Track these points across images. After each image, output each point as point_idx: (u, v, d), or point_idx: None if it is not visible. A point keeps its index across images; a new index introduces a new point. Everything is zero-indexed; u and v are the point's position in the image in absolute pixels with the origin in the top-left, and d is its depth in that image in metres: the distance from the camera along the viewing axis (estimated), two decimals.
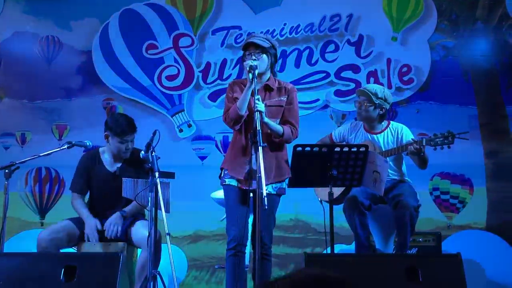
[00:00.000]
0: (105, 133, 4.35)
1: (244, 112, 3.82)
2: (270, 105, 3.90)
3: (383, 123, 4.67)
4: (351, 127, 4.77)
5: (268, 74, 3.99)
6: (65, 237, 4.25)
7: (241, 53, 4.05)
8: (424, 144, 4.38)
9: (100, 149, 4.46)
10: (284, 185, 4.01)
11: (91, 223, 4.26)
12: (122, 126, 4.28)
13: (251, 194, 3.89)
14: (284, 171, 3.98)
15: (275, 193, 3.93)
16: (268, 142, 3.80)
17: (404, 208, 4.31)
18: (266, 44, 3.91)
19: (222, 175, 4.03)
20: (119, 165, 4.38)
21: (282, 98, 3.98)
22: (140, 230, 4.21)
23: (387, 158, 4.42)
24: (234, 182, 3.95)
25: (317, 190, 4.71)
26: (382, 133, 4.64)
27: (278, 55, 4.11)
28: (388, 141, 4.61)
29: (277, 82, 4.03)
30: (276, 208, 4.00)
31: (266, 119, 3.79)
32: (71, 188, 4.48)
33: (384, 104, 4.58)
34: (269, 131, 3.85)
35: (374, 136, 4.64)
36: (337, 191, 4.42)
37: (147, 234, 3.87)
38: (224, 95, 4.16)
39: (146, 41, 6.37)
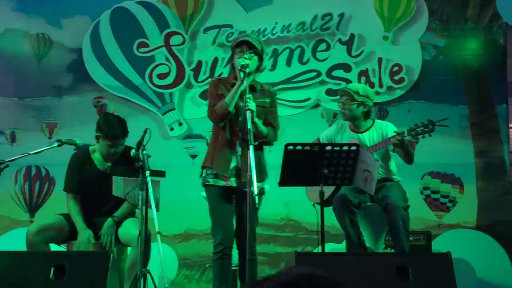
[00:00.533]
0: (97, 134, 4.31)
1: (232, 108, 3.83)
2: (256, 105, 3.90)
3: (368, 121, 4.69)
4: (337, 128, 4.80)
5: (253, 76, 4.01)
6: (54, 232, 4.23)
7: None
8: (406, 134, 4.41)
9: (90, 148, 4.42)
10: (264, 185, 4.00)
11: (84, 236, 4.20)
12: (113, 130, 4.21)
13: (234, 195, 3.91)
14: (264, 172, 3.99)
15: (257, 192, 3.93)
16: None
17: (394, 212, 4.32)
18: (258, 46, 3.94)
19: (204, 174, 4.01)
20: (110, 164, 4.35)
21: (266, 100, 4.02)
22: (129, 229, 4.19)
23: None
24: (218, 182, 3.93)
25: (308, 193, 4.71)
26: (368, 132, 4.66)
27: (270, 54, 4.14)
28: (374, 139, 4.62)
29: (258, 84, 4.06)
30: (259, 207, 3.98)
31: (256, 119, 3.80)
32: (65, 189, 4.42)
33: (366, 101, 4.61)
34: (254, 130, 3.84)
35: (360, 135, 4.66)
36: (328, 192, 4.41)
37: (137, 233, 3.86)
38: None
39: (137, 39, 6.34)
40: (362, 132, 4.67)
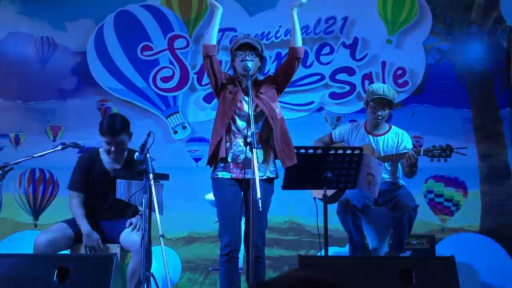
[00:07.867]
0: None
1: (212, 41, 3.99)
2: (265, 91, 3.95)
3: (386, 125, 4.70)
4: (352, 127, 4.79)
5: (256, 77, 4.05)
6: (62, 240, 4.20)
7: None
8: (421, 154, 4.41)
9: (100, 149, 4.41)
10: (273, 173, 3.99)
11: (93, 240, 4.20)
12: (109, 126, 4.21)
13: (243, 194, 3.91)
14: (287, 158, 3.92)
15: (274, 176, 3.94)
16: (262, 140, 3.86)
17: (403, 209, 4.34)
18: (259, 47, 3.99)
19: (214, 169, 4.00)
20: (118, 166, 4.33)
21: (269, 84, 4.04)
22: (129, 234, 4.17)
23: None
24: (227, 175, 3.92)
25: None
26: (384, 136, 4.66)
27: (274, 58, 4.16)
28: (388, 145, 4.62)
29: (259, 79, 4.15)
30: (269, 204, 3.96)
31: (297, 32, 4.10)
32: (69, 187, 4.40)
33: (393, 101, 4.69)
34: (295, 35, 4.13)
35: (375, 138, 4.65)
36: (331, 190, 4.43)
37: (137, 239, 3.85)
38: (216, 99, 4.20)
39: (141, 43, 6.36)
40: (377, 135, 4.67)
